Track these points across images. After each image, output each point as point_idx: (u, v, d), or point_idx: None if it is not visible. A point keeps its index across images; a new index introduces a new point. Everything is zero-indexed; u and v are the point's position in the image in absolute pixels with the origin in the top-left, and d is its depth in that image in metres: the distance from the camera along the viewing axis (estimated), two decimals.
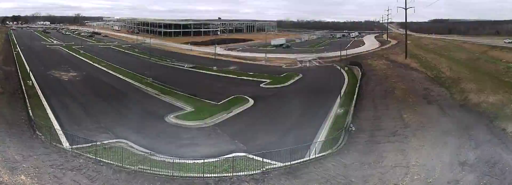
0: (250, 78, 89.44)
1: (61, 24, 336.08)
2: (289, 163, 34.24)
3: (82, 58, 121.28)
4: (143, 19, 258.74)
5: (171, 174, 31.93)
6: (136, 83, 79.65)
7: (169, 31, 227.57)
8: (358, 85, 73.30)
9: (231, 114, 57.22)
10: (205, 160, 34.06)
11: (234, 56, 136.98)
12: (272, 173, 32.69)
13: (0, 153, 32.50)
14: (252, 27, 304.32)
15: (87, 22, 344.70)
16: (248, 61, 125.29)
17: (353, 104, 56.40)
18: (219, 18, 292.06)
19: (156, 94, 70.16)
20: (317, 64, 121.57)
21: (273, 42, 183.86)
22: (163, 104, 63.05)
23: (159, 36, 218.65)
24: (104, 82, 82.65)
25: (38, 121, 44.93)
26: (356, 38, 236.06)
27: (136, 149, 40.25)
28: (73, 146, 36.43)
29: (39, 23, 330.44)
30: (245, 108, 61.34)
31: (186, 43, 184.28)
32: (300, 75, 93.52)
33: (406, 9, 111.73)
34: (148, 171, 32.37)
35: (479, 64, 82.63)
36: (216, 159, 36.49)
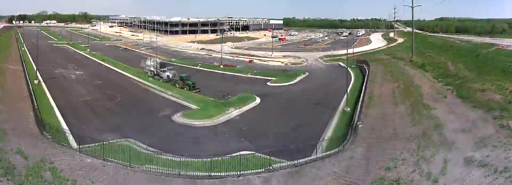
0: (257, 76, 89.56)
1: (66, 23, 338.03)
2: (296, 161, 34.24)
3: (88, 56, 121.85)
4: (150, 18, 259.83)
5: (178, 173, 31.99)
6: (143, 81, 79.90)
7: (175, 30, 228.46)
8: (364, 83, 73.26)
9: (238, 113, 57.23)
10: (212, 159, 34.12)
11: (241, 54, 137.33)
12: (279, 171, 32.70)
13: (7, 153, 32.68)
14: (259, 25, 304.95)
15: (93, 20, 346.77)
16: (254, 59, 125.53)
17: (359, 102, 56.32)
18: (228, 17, 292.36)
19: (162, 92, 70.35)
20: (323, 62, 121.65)
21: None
22: (170, 103, 63.13)
23: (165, 34, 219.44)
24: (110, 81, 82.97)
25: (45, 120, 45.12)
26: (362, 36, 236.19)
27: (143, 148, 40.36)
28: (81, 146, 36.58)
29: (46, 22, 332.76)
30: (252, 106, 61.36)
31: (193, 41, 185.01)
32: (307, 73, 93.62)
33: (412, 7, 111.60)
34: (155, 170, 32.45)
35: (486, 62, 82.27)
36: (223, 158, 36.52)
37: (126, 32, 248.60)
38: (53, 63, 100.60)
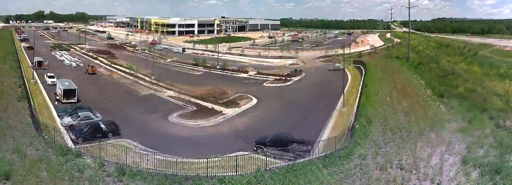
0: (253, 77, 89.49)
1: (63, 23, 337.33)
2: (293, 162, 34.20)
3: (86, 57, 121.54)
4: (148, 18, 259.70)
5: (175, 173, 31.90)
6: (140, 82, 79.78)
7: (172, 30, 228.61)
8: (361, 83, 73.26)
9: (235, 113, 57.12)
10: (208, 159, 34.03)
11: (237, 55, 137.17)
12: (275, 172, 32.63)
13: (3, 152, 32.60)
14: (256, 25, 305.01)
15: (90, 20, 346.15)
16: (251, 60, 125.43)
17: (356, 103, 56.26)
18: (223, 17, 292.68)
19: (158, 91, 70.26)
20: (319, 62, 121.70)
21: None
22: (167, 103, 63.00)
23: (162, 35, 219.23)
24: (107, 81, 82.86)
25: (41, 120, 44.98)
26: (359, 36, 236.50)
27: (140, 148, 40.21)
28: (77, 146, 36.47)
29: (45, 22, 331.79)
30: (249, 106, 61.25)
31: (189, 42, 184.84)
32: (303, 74, 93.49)
33: (409, 8, 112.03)
34: (152, 170, 32.36)
35: (482, 62, 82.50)
36: (220, 158, 36.42)
37: (122, 33, 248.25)
38: (50, 63, 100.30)
